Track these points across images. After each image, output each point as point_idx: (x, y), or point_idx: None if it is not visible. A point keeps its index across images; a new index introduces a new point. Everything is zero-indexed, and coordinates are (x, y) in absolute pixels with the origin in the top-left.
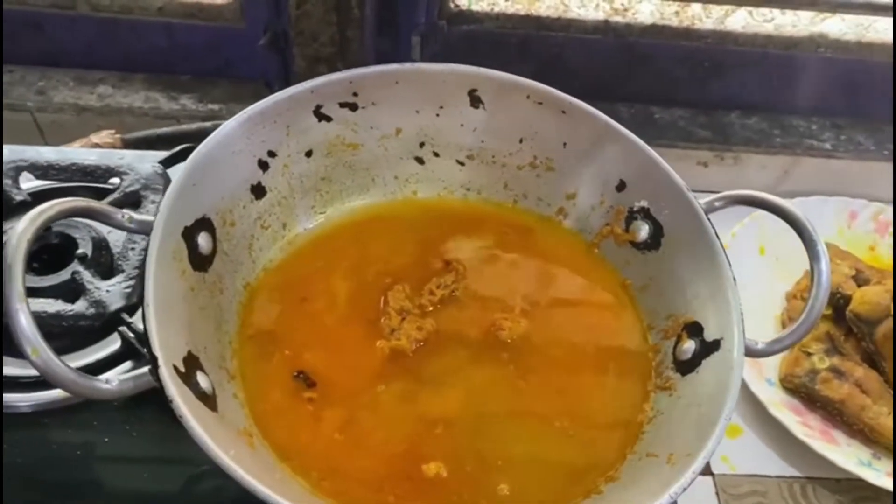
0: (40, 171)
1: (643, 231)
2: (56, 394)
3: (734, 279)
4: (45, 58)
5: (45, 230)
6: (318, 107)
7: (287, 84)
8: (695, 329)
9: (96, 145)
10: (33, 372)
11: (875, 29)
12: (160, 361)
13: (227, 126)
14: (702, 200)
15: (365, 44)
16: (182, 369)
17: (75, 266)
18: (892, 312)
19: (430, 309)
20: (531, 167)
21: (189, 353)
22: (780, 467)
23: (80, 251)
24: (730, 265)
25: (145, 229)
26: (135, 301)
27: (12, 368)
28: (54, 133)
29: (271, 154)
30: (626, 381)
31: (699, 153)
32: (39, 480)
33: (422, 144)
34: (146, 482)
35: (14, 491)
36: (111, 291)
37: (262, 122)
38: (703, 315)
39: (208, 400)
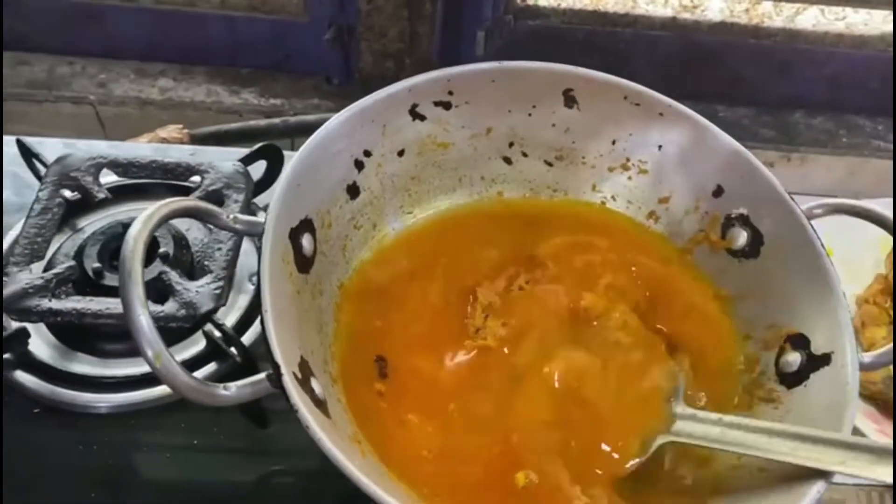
0: (121, 168)
1: (741, 238)
2: (133, 396)
3: (843, 292)
4: (105, 50)
5: (121, 227)
6: (414, 105)
7: (348, 79)
8: (800, 341)
9: (164, 140)
10: (111, 372)
11: None
12: (283, 369)
13: (329, 126)
14: (802, 206)
15: (433, 40)
16: (299, 375)
17: (160, 266)
18: None
19: (517, 305)
20: (623, 169)
21: (302, 358)
22: None
23: (162, 250)
24: (838, 277)
25: (253, 231)
26: (223, 303)
27: (87, 367)
28: (116, 126)
29: (367, 154)
30: (723, 390)
31: (765, 153)
32: (130, 482)
33: (511, 144)
34: (238, 486)
35: (103, 492)
36: (200, 293)
37: (362, 122)
38: (808, 327)
39: (322, 406)
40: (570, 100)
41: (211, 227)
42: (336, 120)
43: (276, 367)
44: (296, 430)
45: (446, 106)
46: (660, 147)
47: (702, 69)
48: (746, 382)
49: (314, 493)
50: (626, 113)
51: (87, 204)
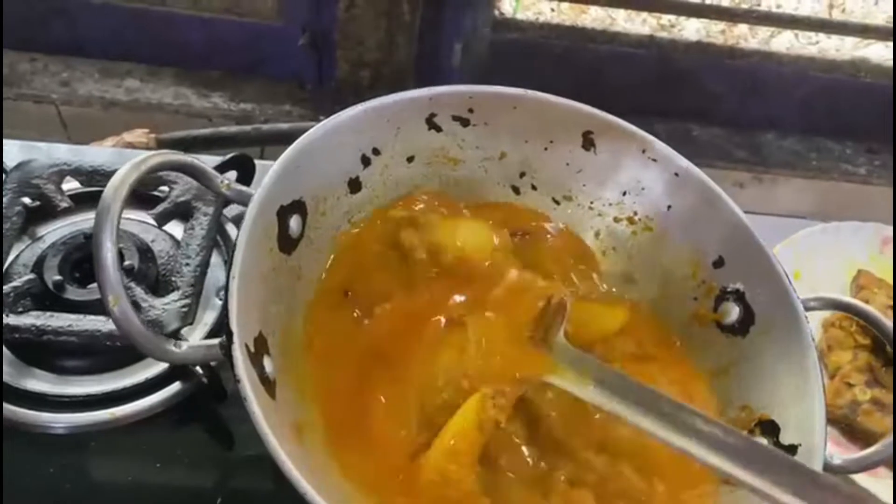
0: (84, 176)
1: (733, 314)
2: (93, 416)
3: (824, 387)
4: (69, 47)
5: (83, 237)
6: (432, 115)
7: (321, 86)
8: (770, 428)
9: (130, 144)
10: (70, 390)
11: None
12: (235, 337)
13: (342, 115)
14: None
15: (411, 50)
16: (252, 349)
17: (125, 281)
18: None
19: None
20: (629, 223)
21: (260, 333)
22: None
23: (126, 263)
24: (821, 372)
25: (242, 200)
26: (191, 321)
27: (44, 385)
28: (78, 128)
29: (376, 151)
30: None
31: (737, 174)
32: None
33: (522, 174)
34: None
35: None
36: (167, 310)
37: (376, 119)
38: (782, 415)
39: (269, 386)
40: (588, 142)
41: (178, 240)
42: (350, 111)
43: (230, 333)
44: (262, 452)
45: (464, 122)
46: (669, 207)
47: (677, 88)
48: None
49: None
50: (642, 166)
51: (47, 212)
